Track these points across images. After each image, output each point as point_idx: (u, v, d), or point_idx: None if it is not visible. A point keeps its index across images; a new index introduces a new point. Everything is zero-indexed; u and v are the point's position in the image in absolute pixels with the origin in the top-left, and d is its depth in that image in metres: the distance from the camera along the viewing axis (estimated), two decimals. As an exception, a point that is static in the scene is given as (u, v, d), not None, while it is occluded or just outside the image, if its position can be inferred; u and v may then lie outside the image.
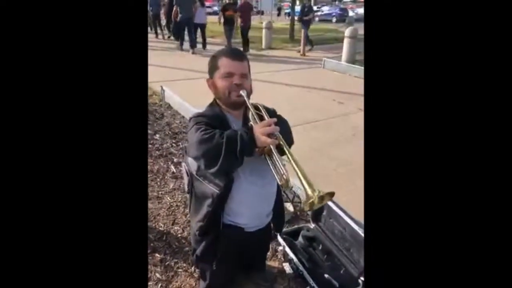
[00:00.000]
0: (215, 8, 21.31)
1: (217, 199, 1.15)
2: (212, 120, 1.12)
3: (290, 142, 1.19)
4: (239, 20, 7.94)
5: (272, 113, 1.24)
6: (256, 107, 1.15)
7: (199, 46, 8.07)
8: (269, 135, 0.96)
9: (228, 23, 7.82)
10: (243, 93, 1.11)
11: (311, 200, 0.89)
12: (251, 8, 8.58)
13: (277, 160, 0.99)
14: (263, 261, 1.63)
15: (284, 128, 1.11)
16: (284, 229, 1.91)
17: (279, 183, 1.01)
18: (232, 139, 0.98)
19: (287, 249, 1.74)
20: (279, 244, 1.84)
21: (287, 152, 0.99)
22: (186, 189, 1.30)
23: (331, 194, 0.91)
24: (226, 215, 1.21)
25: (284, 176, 0.98)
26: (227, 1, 8.33)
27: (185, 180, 1.29)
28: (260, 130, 0.97)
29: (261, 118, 1.10)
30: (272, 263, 1.80)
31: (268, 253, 1.81)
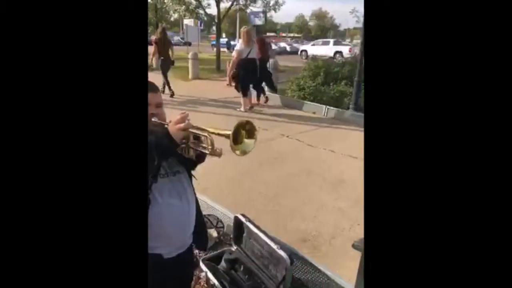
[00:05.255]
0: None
1: None
2: None
3: None
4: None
5: None
6: None
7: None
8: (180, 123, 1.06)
9: None
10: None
11: (231, 138, 0.99)
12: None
13: (200, 141, 1.12)
14: (185, 288, 1.61)
15: None
16: (207, 255, 1.92)
17: (208, 152, 1.11)
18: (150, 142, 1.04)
19: (209, 275, 1.75)
20: (202, 271, 1.83)
21: (196, 128, 1.09)
22: None
23: (247, 123, 1.05)
24: None
25: (210, 142, 1.09)
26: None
27: None
28: (171, 124, 1.07)
29: None
30: (195, 290, 1.78)
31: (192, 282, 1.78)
